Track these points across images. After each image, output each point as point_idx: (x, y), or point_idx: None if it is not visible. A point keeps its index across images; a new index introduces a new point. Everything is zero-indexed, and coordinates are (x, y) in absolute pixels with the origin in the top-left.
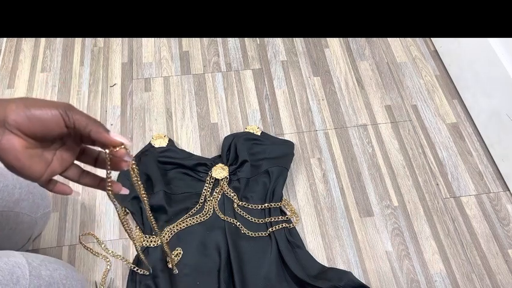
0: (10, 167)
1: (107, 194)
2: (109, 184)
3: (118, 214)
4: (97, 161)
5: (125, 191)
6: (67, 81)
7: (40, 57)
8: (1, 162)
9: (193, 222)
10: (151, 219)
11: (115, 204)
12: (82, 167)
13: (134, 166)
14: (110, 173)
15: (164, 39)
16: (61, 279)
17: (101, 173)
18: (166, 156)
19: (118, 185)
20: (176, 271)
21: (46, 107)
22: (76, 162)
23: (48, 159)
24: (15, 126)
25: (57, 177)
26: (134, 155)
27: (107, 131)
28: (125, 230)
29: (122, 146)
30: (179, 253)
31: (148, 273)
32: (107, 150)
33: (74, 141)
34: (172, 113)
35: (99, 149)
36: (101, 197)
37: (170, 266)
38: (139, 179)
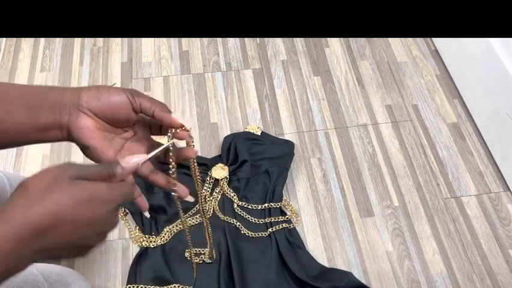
0: (85, 147)
1: (172, 196)
2: (175, 186)
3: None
4: (166, 156)
5: (190, 199)
6: (66, 81)
7: (39, 57)
8: (77, 143)
9: (193, 222)
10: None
11: (177, 207)
12: None
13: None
14: (174, 168)
15: (164, 39)
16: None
17: None
18: None
19: (184, 190)
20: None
21: (114, 91)
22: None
23: (118, 147)
24: (88, 108)
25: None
26: None
27: (170, 112)
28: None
29: (183, 128)
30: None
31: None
32: (169, 134)
33: (143, 133)
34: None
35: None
36: None
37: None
38: (196, 171)
